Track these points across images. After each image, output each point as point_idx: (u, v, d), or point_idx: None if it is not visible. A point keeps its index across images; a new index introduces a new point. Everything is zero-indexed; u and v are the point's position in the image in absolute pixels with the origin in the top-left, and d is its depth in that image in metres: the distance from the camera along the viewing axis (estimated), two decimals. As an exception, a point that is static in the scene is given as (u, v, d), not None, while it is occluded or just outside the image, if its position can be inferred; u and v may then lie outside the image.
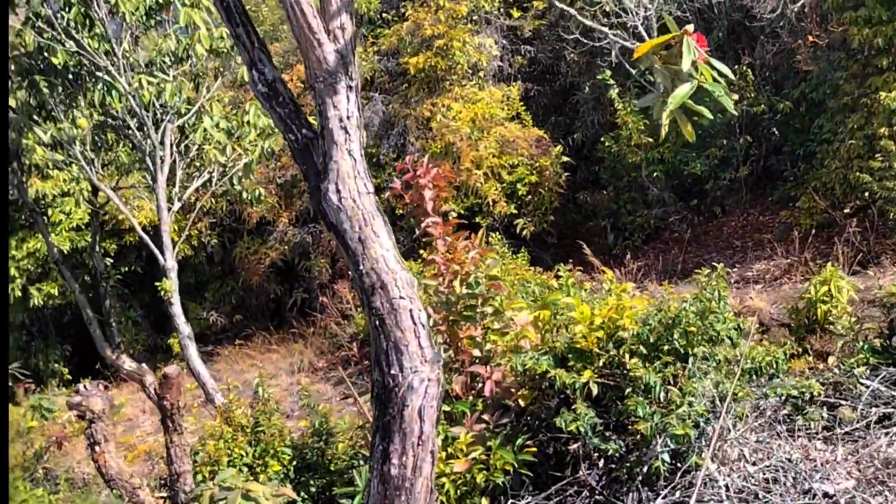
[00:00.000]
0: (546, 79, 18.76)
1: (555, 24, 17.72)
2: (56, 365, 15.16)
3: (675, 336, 7.35)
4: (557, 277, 11.05)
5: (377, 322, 4.52)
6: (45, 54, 10.28)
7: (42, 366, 15.10)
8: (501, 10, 16.98)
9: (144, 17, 10.76)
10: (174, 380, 9.31)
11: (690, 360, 7.25)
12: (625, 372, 7.31)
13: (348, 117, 4.70)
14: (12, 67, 10.53)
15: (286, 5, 4.64)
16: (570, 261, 12.54)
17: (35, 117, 10.76)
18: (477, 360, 8.39)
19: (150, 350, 15.85)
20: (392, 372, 4.45)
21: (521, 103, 16.79)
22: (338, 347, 14.20)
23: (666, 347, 7.34)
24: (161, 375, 9.50)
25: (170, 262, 10.37)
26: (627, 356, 7.34)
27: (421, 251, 13.07)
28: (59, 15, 10.16)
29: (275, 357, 14.62)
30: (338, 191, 4.63)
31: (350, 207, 4.62)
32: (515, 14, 17.02)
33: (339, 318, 14.64)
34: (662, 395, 7.01)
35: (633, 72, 15.96)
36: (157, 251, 10.46)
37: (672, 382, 7.13)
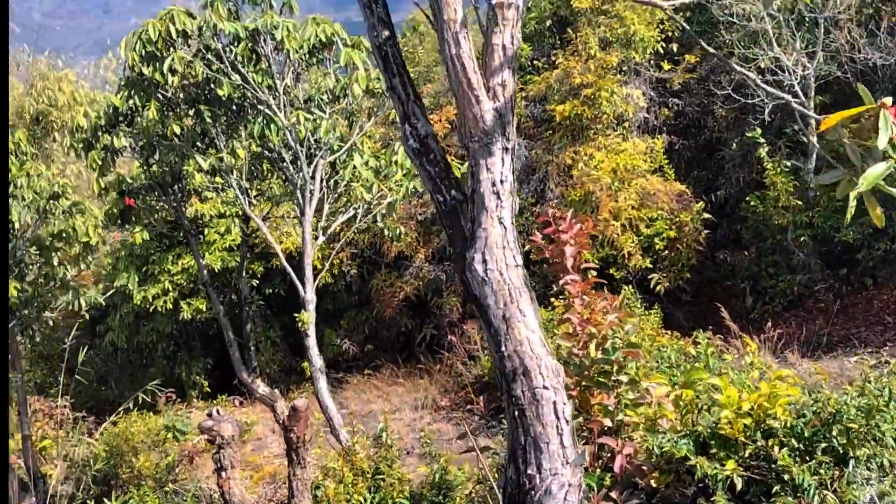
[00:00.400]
0: (691, 132, 17.71)
1: (705, 79, 16.73)
2: (197, 377, 15.32)
3: (834, 433, 6.31)
4: (696, 344, 10.12)
5: (516, 412, 3.88)
6: (212, 86, 10.30)
7: (185, 377, 15.29)
8: (651, 62, 16.13)
9: (307, 55, 10.64)
10: (302, 413, 8.98)
11: (851, 462, 6.19)
12: (773, 466, 6.34)
13: (501, 181, 4.12)
14: (181, 96, 10.61)
15: (446, 58, 4.12)
16: (709, 325, 11.51)
17: (198, 144, 10.80)
18: (607, 430, 7.58)
19: (285, 371, 15.79)
20: (529, 472, 3.79)
21: (665, 156, 15.83)
22: (462, 388, 13.64)
23: (823, 445, 6.32)
24: (290, 408, 9.21)
25: (309, 294, 10.11)
26: (777, 449, 6.36)
27: (553, 299, 12.39)
28: (227, 49, 10.17)
29: (400, 390, 14.20)
30: (484, 261, 4.04)
31: (496, 280, 4.01)
32: (666, 66, 16.13)
33: (465, 358, 14.10)
34: (817, 499, 5.99)
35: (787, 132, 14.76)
36: (298, 283, 10.23)
37: (828, 486, 6.10)
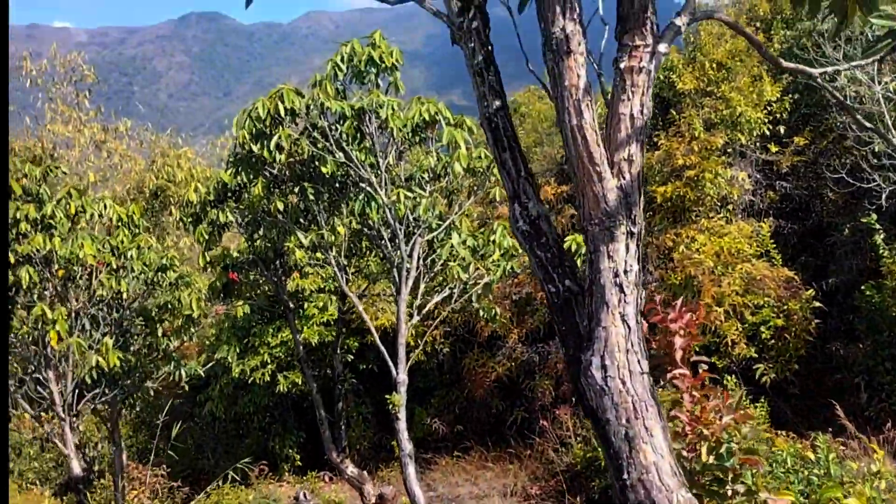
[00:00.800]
0: (798, 216, 16.43)
1: (813, 161, 15.56)
2: (290, 451, 14.73)
3: None
4: (814, 447, 8.90)
5: (644, 558, 3.01)
6: (316, 163, 9.99)
7: (277, 449, 14.74)
8: (758, 144, 15.11)
9: (410, 134, 10.25)
10: (389, 502, 8.24)
11: None
12: None
13: (625, 272, 3.37)
14: (287, 173, 10.35)
15: (566, 129, 3.45)
16: (820, 422, 10.20)
17: (300, 220, 10.47)
18: (723, 547, 6.48)
19: (374, 447, 15.04)
20: None
21: (771, 240, 14.63)
22: (553, 475, 12.54)
23: None
24: (377, 496, 8.49)
25: (401, 375, 9.44)
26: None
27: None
28: (333, 127, 9.88)
29: (489, 475, 13.20)
30: (603, 366, 3.26)
31: (617, 391, 3.22)
32: (773, 149, 15.07)
33: (556, 445, 13.02)
34: None
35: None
36: (391, 363, 9.59)
37: None
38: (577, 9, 3.53)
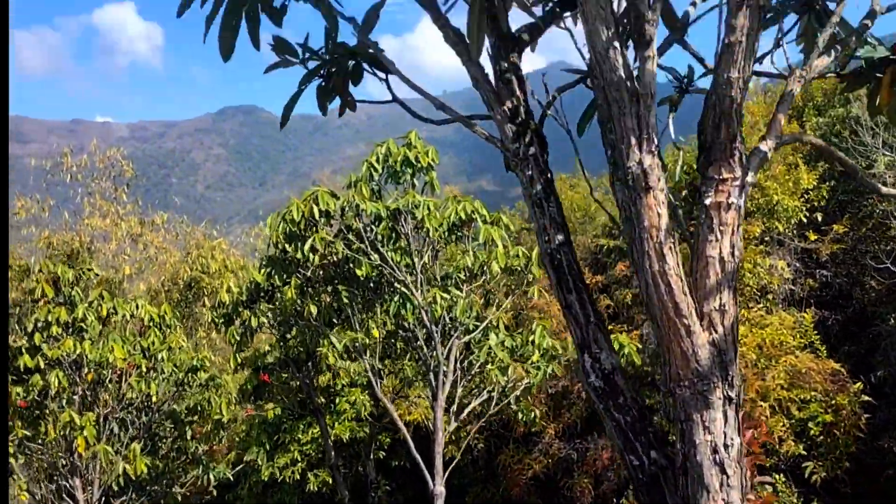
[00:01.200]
0: (839, 305, 15.62)
1: (852, 249, 14.88)
2: (321, 554, 13.88)
3: None
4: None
5: None
6: (351, 265, 9.55)
7: (308, 553, 13.89)
8: (795, 231, 14.49)
9: (446, 233, 9.80)
10: None
11: None
12: None
13: (726, 446, 2.76)
14: (320, 274, 9.91)
15: (645, 275, 2.92)
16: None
17: (334, 321, 9.96)
18: None
19: (409, 549, 14.12)
20: None
21: (814, 331, 13.82)
22: (598, 586, 11.55)
23: None
24: None
25: (439, 487, 8.74)
26: None
27: None
28: (368, 228, 9.46)
29: (530, 586, 12.20)
30: (708, 568, 2.60)
31: None
32: (812, 237, 14.43)
33: (601, 550, 12.05)
34: None
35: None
36: (427, 473, 8.88)
37: None
38: (655, 140, 3.05)
